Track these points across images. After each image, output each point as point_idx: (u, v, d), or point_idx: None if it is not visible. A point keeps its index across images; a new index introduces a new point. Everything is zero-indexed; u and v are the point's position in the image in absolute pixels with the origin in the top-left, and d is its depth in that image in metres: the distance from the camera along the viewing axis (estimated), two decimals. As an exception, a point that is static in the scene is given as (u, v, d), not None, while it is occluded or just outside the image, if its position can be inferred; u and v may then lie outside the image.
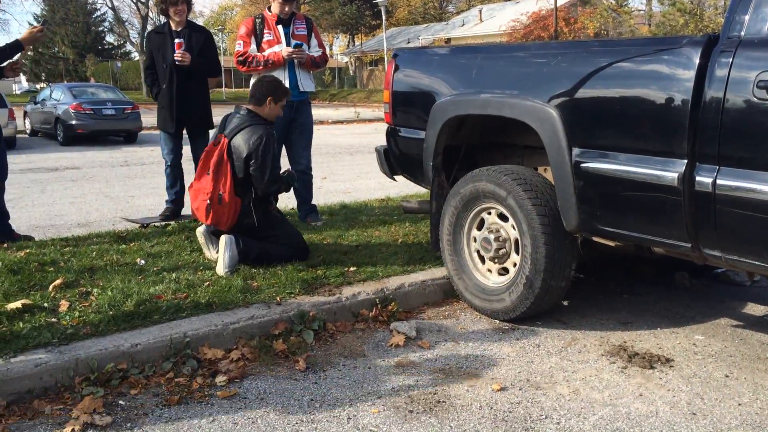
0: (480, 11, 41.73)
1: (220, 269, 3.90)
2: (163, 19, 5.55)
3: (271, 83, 4.35)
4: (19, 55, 4.61)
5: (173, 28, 5.24)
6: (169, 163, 5.44)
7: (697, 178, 2.70)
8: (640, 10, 35.15)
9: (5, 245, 4.55)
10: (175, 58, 5.06)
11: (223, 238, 3.96)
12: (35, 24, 4.70)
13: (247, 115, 4.23)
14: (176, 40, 5.06)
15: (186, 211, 5.46)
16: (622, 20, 30.62)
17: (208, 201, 4.06)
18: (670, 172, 2.76)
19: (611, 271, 4.31)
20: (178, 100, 5.22)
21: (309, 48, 5.15)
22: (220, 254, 3.94)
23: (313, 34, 5.23)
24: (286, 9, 5.07)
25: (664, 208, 2.83)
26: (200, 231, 4.25)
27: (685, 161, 2.72)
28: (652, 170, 2.84)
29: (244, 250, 4.01)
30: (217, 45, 6.03)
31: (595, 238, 3.29)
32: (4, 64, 4.58)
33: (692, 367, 3.00)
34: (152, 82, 5.34)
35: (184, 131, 5.49)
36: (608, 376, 2.93)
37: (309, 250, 4.27)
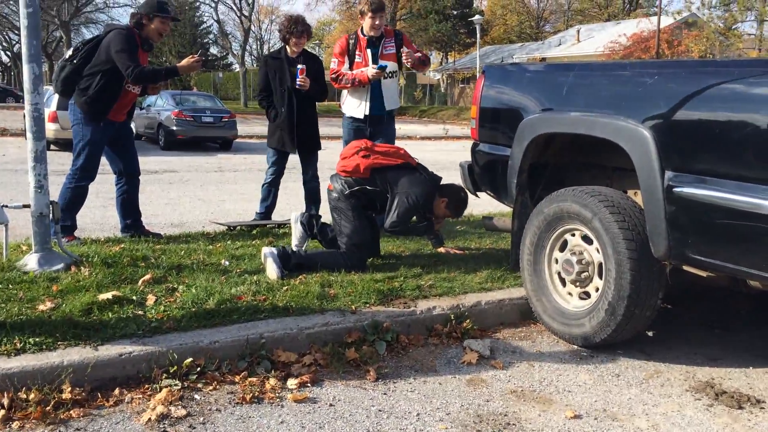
0: (578, 31, 40.92)
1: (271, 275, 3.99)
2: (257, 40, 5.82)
3: (463, 201, 4.48)
4: None
5: (289, 55, 5.45)
6: (269, 180, 5.63)
7: (802, 209, 2.52)
8: (750, 35, 33.40)
9: (102, 239, 4.83)
10: (298, 82, 5.27)
11: (264, 250, 4.14)
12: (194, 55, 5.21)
13: (430, 181, 4.38)
14: (299, 66, 5.28)
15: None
16: (730, 44, 29.17)
17: (364, 144, 4.45)
18: (772, 201, 2.59)
19: (702, 304, 4.07)
20: (297, 122, 5.42)
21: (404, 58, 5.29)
22: (266, 265, 4.08)
23: (403, 46, 5.34)
24: (377, 23, 5.21)
25: (764, 239, 2.65)
26: (294, 215, 4.49)
27: (790, 190, 2.55)
28: (753, 198, 2.67)
29: (283, 256, 4.10)
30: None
31: (685, 267, 3.12)
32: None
33: (788, 411, 2.79)
34: (268, 105, 5.52)
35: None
36: (692, 412, 2.76)
37: (366, 266, 4.26)
